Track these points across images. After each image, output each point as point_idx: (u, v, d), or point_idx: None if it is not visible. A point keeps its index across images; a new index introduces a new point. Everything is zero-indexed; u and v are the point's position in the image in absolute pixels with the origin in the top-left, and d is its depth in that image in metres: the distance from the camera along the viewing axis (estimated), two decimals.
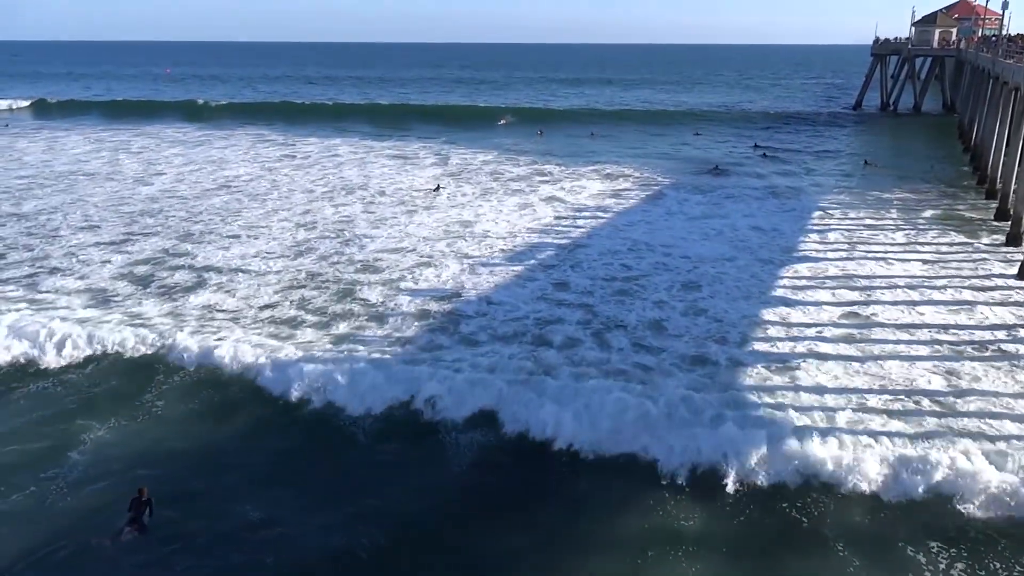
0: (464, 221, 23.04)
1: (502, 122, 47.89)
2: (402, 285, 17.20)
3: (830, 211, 24.62)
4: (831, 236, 21.64)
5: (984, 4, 53.22)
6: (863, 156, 35.88)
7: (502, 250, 20.04)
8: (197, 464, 10.65)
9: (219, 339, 14.02)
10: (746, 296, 16.54)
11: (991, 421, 11.28)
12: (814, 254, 19.76)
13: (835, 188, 28.53)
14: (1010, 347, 13.74)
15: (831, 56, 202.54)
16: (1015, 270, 18.03)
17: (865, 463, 10.20)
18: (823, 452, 10.42)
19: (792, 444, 10.44)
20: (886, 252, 20.01)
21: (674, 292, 16.80)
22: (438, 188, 28.18)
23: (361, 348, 13.89)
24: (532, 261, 18.94)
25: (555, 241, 20.84)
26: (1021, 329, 14.85)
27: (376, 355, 13.40)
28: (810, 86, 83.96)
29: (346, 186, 28.53)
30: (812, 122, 48.46)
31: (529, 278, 17.73)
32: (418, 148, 39.17)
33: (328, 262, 18.94)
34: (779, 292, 16.78)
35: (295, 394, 12.18)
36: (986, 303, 16.14)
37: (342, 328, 14.87)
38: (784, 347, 13.86)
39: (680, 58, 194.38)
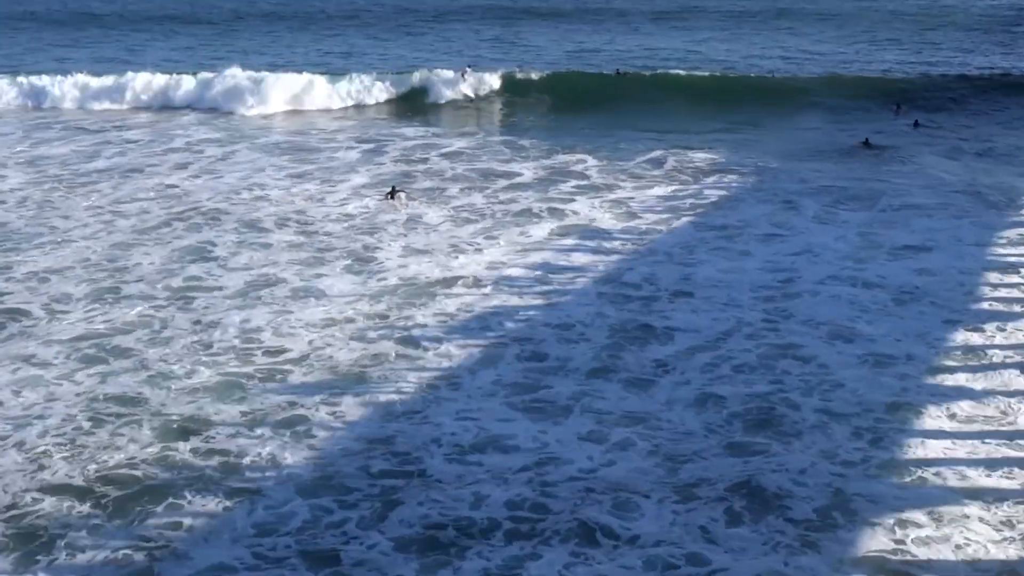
0: (421, 285, 20.14)
1: (464, 78, 44.51)
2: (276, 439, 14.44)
3: None
4: None
5: None
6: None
7: (496, 345, 17.41)
8: None
9: None
10: None
11: None
12: None
13: None
14: None
15: None
16: None
17: None
18: None
19: None
20: None
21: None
22: (393, 193, 26.98)
23: None
24: (558, 375, 16.18)
25: (604, 325, 18.08)
26: None
27: None
28: (981, 21, 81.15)
29: (197, 209, 25.89)
30: (995, 79, 46.47)
31: (556, 408, 15.01)
32: (335, 131, 36.80)
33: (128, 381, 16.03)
34: None
35: None
36: None
37: None
38: None
39: None
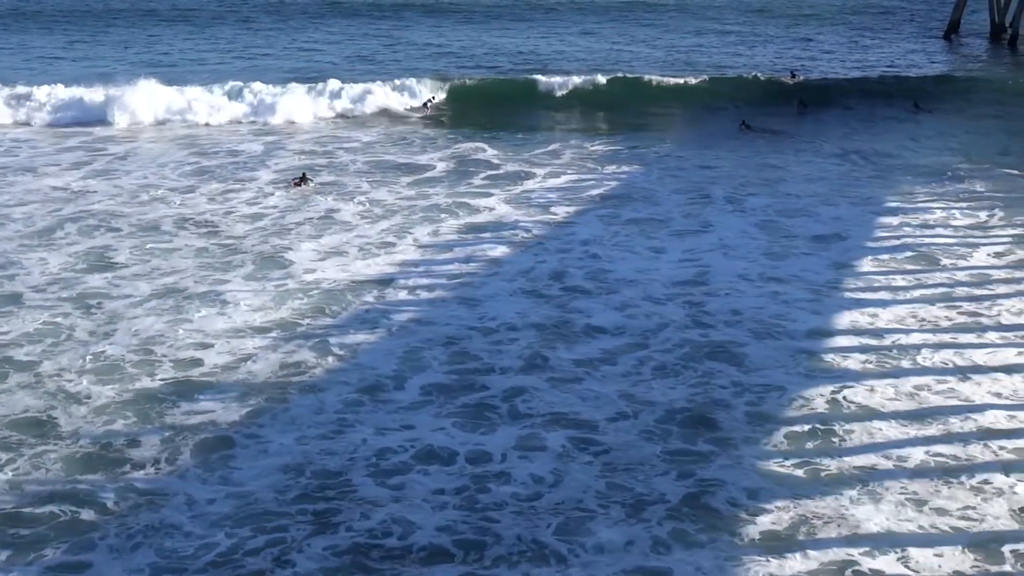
0: (337, 288, 18.86)
1: (428, 108, 41.14)
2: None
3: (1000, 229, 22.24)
4: None
5: None
6: (916, 99, 36.92)
7: (421, 349, 16.31)
8: None
9: None
10: None
11: None
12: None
13: (962, 169, 27.19)
14: None
15: None
16: None
17: None
18: None
19: None
20: None
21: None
22: (303, 180, 26.59)
23: None
24: (487, 379, 15.34)
25: (528, 324, 17.17)
26: None
27: None
28: (855, 9, 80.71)
29: (93, 212, 23.98)
30: (873, 61, 47.35)
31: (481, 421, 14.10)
32: (233, 126, 34.67)
33: None
34: None
35: None
36: None
37: None
38: None
39: None
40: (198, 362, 15.81)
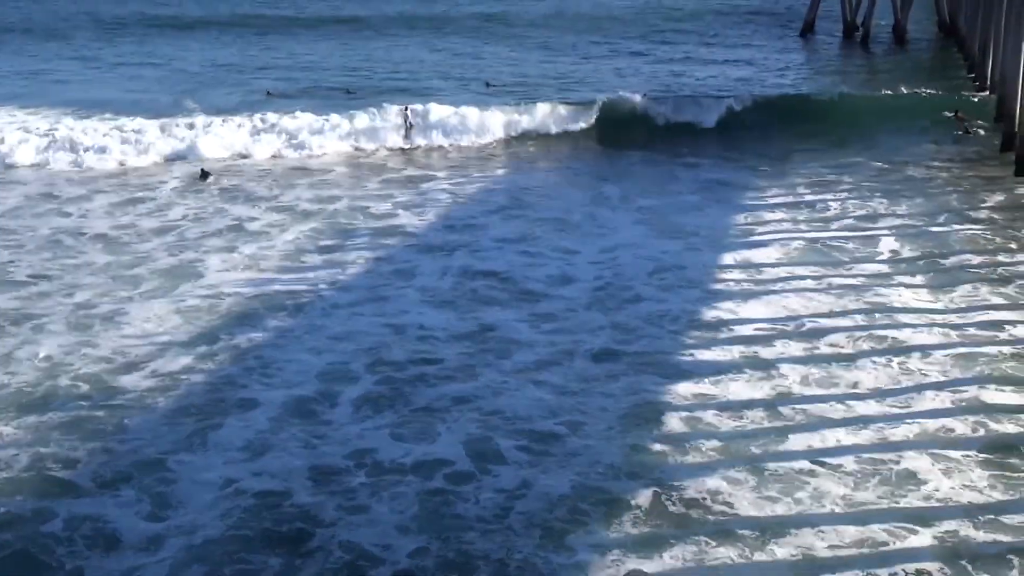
0: (251, 302, 18.12)
1: (408, 121, 36.59)
2: None
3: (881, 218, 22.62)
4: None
5: None
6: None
7: (347, 361, 15.70)
8: None
9: None
10: None
11: None
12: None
13: (834, 163, 27.88)
14: None
15: None
16: None
17: None
18: None
19: None
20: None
21: None
22: (203, 175, 26.63)
23: None
24: (418, 388, 14.92)
25: (451, 333, 16.79)
26: None
27: None
28: (721, 9, 79.14)
29: None
30: (732, 60, 47.54)
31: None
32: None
33: None
34: None
35: None
36: None
37: None
38: None
39: None
40: (117, 385, 14.89)
